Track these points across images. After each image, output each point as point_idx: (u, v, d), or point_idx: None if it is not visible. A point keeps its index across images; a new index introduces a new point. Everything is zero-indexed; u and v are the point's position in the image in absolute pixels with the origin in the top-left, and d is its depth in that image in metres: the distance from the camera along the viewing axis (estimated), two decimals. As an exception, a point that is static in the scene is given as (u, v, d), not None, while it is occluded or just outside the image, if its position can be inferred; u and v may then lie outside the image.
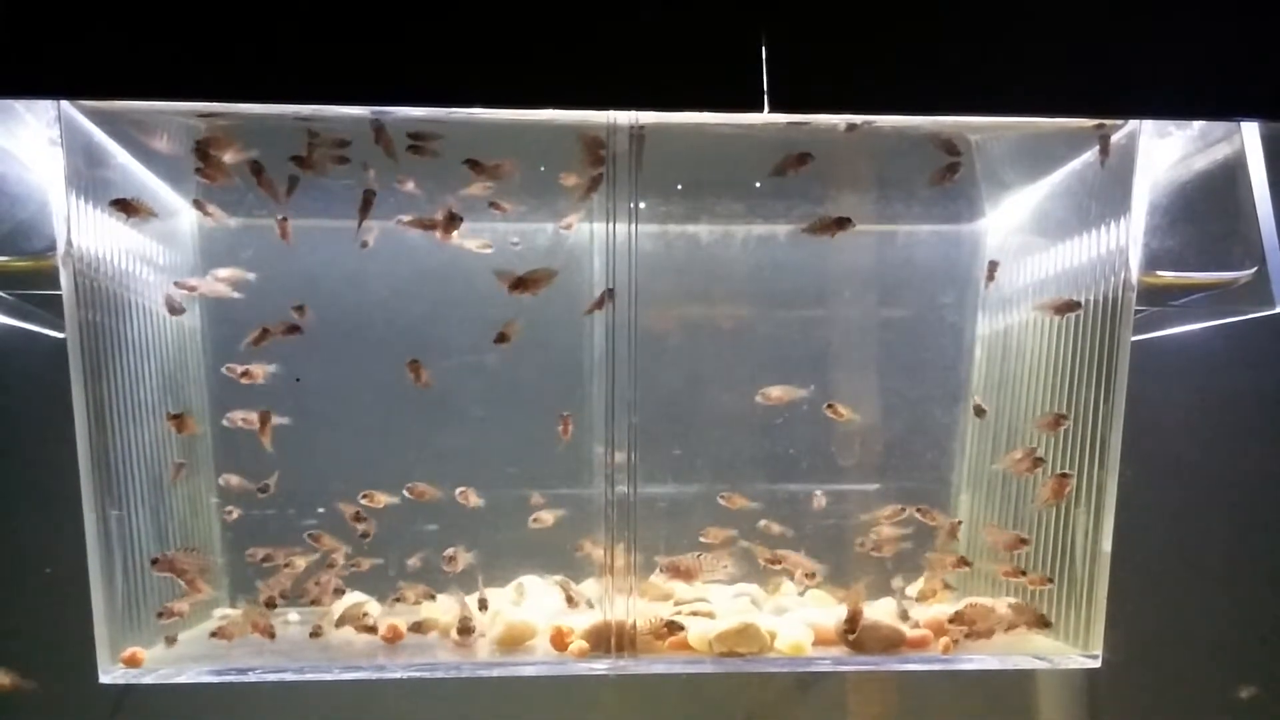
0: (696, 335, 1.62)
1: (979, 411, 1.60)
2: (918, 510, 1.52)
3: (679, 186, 1.58)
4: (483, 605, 1.47)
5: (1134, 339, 1.40)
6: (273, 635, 1.43)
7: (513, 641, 1.42)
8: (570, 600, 1.47)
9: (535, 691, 1.52)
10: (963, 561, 1.49)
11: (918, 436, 1.62)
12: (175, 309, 1.50)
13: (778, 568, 1.49)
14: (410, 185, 1.46)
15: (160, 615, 1.39)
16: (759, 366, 1.59)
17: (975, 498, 1.62)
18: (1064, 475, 1.42)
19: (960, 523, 1.55)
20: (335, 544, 1.51)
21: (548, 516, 1.55)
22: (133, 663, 1.32)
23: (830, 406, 1.54)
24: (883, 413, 1.62)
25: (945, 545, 1.52)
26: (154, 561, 1.39)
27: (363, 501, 1.51)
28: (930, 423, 1.63)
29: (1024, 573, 1.47)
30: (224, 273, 1.49)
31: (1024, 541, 1.45)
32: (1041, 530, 1.49)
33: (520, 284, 1.46)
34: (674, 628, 1.37)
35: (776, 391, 1.55)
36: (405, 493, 1.52)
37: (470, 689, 1.45)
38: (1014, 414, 1.58)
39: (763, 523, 1.56)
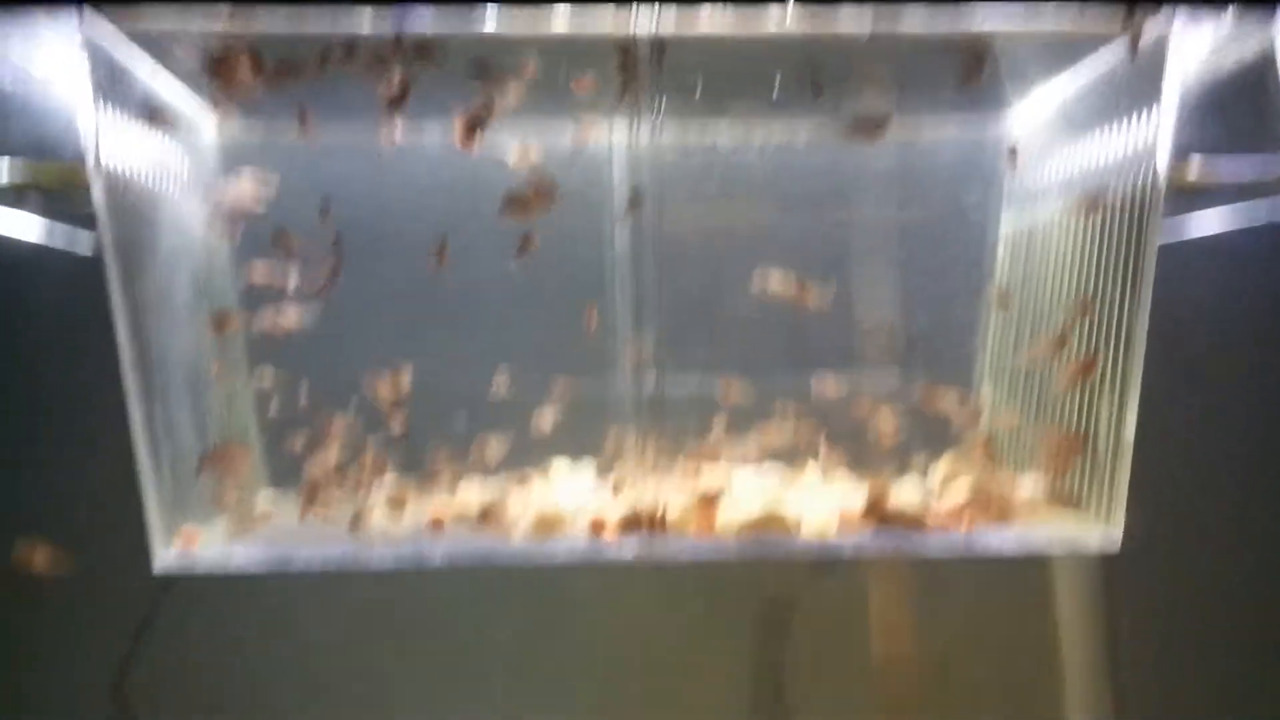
0: (719, 239, 1.64)
1: (1002, 302, 1.61)
2: (923, 390, 1.55)
3: (698, 95, 1.58)
4: (518, 485, 1.51)
5: (1162, 237, 1.40)
6: (327, 508, 1.48)
7: (546, 528, 1.46)
8: (603, 477, 1.51)
9: (568, 576, 1.57)
10: (987, 447, 1.52)
11: (940, 333, 1.64)
12: (234, 219, 1.52)
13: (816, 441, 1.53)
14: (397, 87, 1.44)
15: (212, 499, 1.45)
16: (782, 268, 1.61)
17: (997, 390, 1.65)
18: (1091, 357, 1.44)
19: (982, 407, 1.57)
20: (343, 419, 1.55)
21: (547, 418, 1.57)
22: (190, 541, 1.38)
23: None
24: (905, 310, 1.64)
25: (970, 428, 1.55)
26: (199, 466, 1.44)
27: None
28: (952, 319, 1.65)
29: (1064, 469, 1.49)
30: (246, 182, 1.51)
31: (1078, 447, 1.46)
32: (1063, 418, 1.52)
33: (514, 205, 1.42)
34: (711, 500, 1.41)
35: (776, 279, 1.55)
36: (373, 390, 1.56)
37: (506, 574, 1.51)
38: (1037, 310, 1.59)
39: (778, 403, 1.59)
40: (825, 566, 1.67)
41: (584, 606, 1.67)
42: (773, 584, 1.70)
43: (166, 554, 1.38)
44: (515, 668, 1.70)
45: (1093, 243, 1.49)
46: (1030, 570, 1.72)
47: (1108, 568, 1.70)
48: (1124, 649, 1.73)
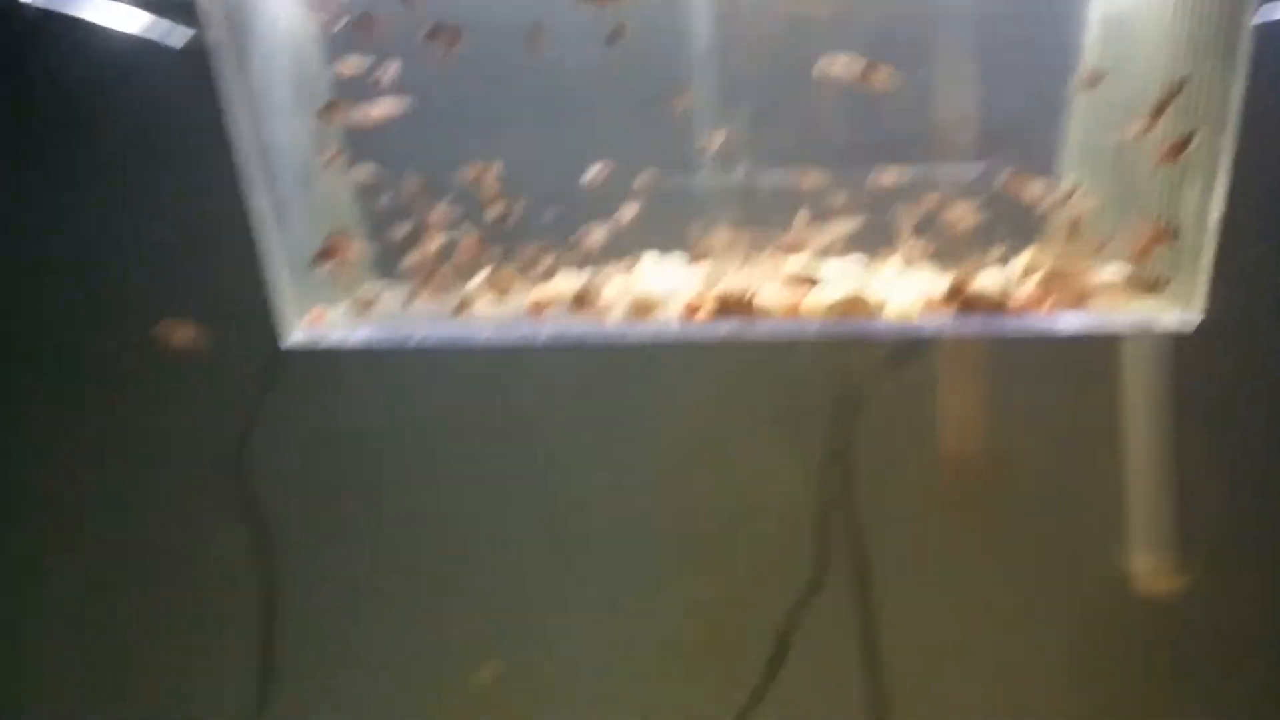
0: (800, 24, 1.62)
1: (1092, 81, 1.59)
2: (1009, 178, 1.56)
3: None
4: (613, 271, 1.58)
5: (1258, 15, 1.37)
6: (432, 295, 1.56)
7: (640, 312, 1.54)
8: (696, 263, 1.57)
9: (659, 358, 1.66)
10: (1072, 233, 1.54)
11: (1025, 118, 1.64)
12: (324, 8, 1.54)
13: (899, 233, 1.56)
14: None
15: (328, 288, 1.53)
16: (864, 52, 1.60)
17: (1081, 176, 1.65)
18: (1185, 136, 1.44)
19: (1075, 189, 1.58)
20: (443, 209, 1.61)
21: (632, 211, 1.62)
22: (317, 321, 1.48)
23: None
24: (990, 94, 1.63)
25: (1056, 213, 1.56)
26: (315, 257, 1.53)
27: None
28: (1038, 104, 1.64)
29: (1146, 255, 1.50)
30: None
31: (1163, 234, 1.47)
32: (1148, 203, 1.53)
33: None
34: (803, 281, 1.47)
35: (841, 63, 1.54)
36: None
37: (601, 356, 1.60)
38: (1127, 93, 1.57)
39: (860, 195, 1.61)
40: (900, 354, 1.73)
41: (671, 386, 1.76)
42: (849, 372, 1.77)
43: (294, 331, 1.48)
44: (601, 442, 1.81)
45: (1188, 21, 1.46)
46: (1105, 355, 1.76)
47: (1184, 352, 1.73)
48: (1192, 437, 1.78)
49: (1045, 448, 1.81)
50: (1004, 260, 1.65)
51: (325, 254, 1.53)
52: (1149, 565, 1.81)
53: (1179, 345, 1.71)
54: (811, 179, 1.62)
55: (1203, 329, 1.46)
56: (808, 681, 1.83)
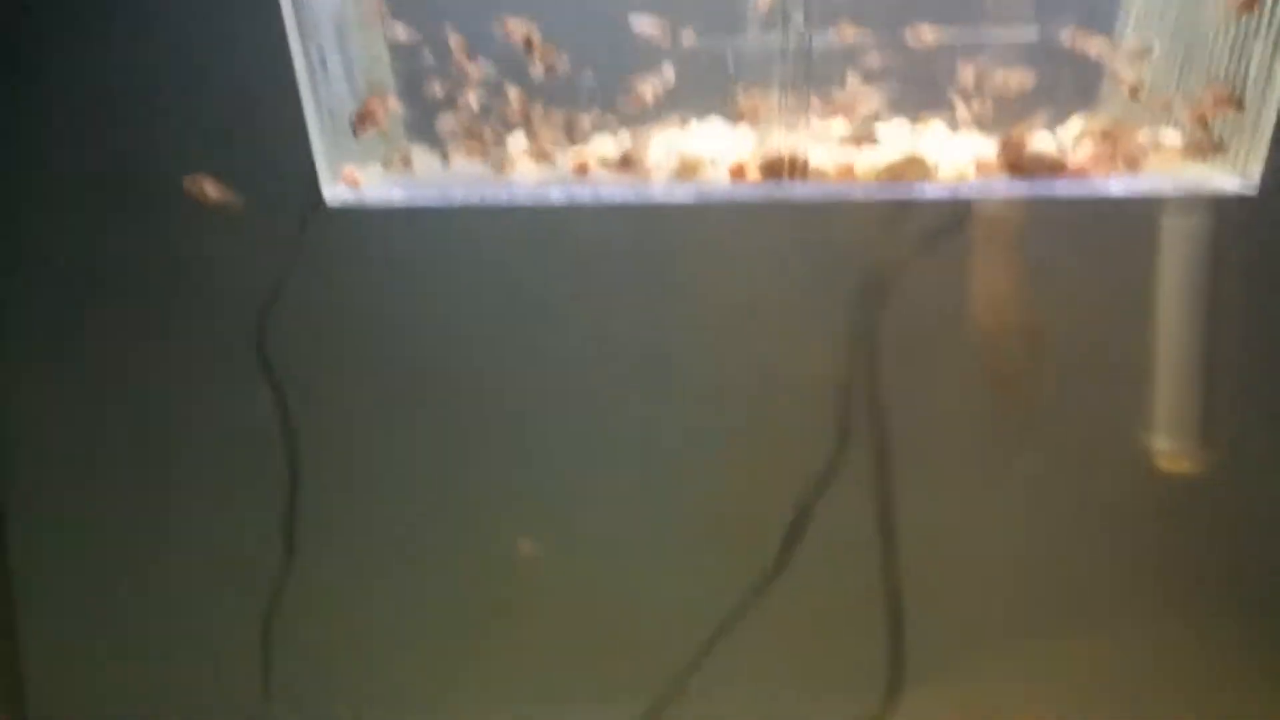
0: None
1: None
2: (1073, 33, 1.52)
3: None
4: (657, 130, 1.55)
5: None
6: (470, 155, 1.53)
7: (687, 173, 1.51)
8: (740, 118, 1.54)
9: (703, 220, 1.64)
10: (1134, 93, 1.50)
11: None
12: None
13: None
14: None
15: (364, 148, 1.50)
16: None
17: (1143, 35, 1.61)
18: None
19: (1131, 51, 1.54)
20: (479, 67, 1.57)
21: (647, 91, 1.58)
22: (351, 181, 1.46)
23: None
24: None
25: (1120, 73, 1.52)
26: (354, 120, 1.48)
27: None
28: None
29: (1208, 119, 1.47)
30: None
31: (1225, 99, 1.44)
32: (1211, 65, 1.49)
33: None
34: (865, 139, 1.45)
35: None
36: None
37: (643, 218, 1.57)
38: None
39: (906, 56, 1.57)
40: (950, 219, 1.70)
41: (714, 250, 1.74)
42: (888, 240, 1.75)
43: (330, 190, 1.45)
44: (638, 307, 1.80)
45: None
46: (1148, 226, 1.74)
47: (1230, 222, 1.71)
48: (1236, 313, 1.76)
49: (1080, 323, 1.80)
50: (1051, 128, 1.62)
51: (364, 119, 1.49)
52: (1173, 445, 1.82)
53: (1225, 216, 1.69)
54: (849, 34, 1.57)
55: (1260, 197, 1.44)
56: (827, 552, 1.86)
